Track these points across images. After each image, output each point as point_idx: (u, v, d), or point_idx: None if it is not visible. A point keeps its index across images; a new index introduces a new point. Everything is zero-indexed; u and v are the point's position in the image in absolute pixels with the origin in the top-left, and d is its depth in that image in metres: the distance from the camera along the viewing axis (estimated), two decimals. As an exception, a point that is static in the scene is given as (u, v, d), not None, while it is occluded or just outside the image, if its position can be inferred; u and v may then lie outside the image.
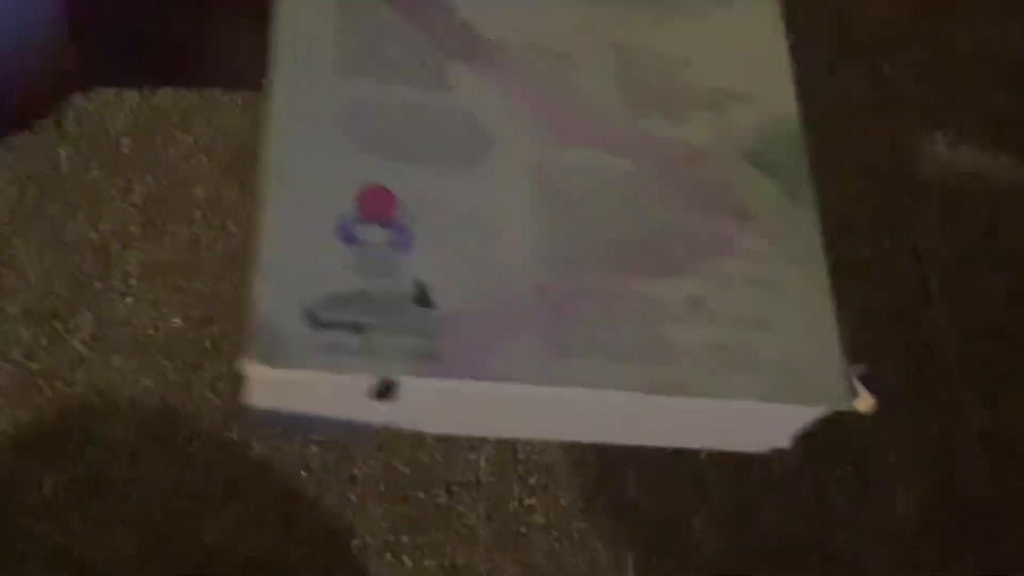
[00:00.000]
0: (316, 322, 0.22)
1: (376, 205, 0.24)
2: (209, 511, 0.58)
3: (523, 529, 0.59)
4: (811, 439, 0.57)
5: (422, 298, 0.23)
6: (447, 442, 0.61)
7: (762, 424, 0.27)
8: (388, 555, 0.58)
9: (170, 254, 0.66)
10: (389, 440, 0.61)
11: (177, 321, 0.63)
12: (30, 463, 0.58)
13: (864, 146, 0.70)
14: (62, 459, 0.58)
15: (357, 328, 0.23)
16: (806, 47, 0.75)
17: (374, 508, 0.59)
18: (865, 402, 0.26)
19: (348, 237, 0.24)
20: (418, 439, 0.61)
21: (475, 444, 0.61)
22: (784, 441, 0.28)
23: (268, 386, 0.22)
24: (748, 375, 0.25)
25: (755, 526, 0.62)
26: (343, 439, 0.59)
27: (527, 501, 0.60)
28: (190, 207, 0.67)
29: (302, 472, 0.59)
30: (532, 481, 0.61)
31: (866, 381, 0.26)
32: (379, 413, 0.23)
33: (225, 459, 0.60)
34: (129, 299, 0.64)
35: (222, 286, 0.65)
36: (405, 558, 0.58)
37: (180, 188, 0.68)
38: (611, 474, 0.61)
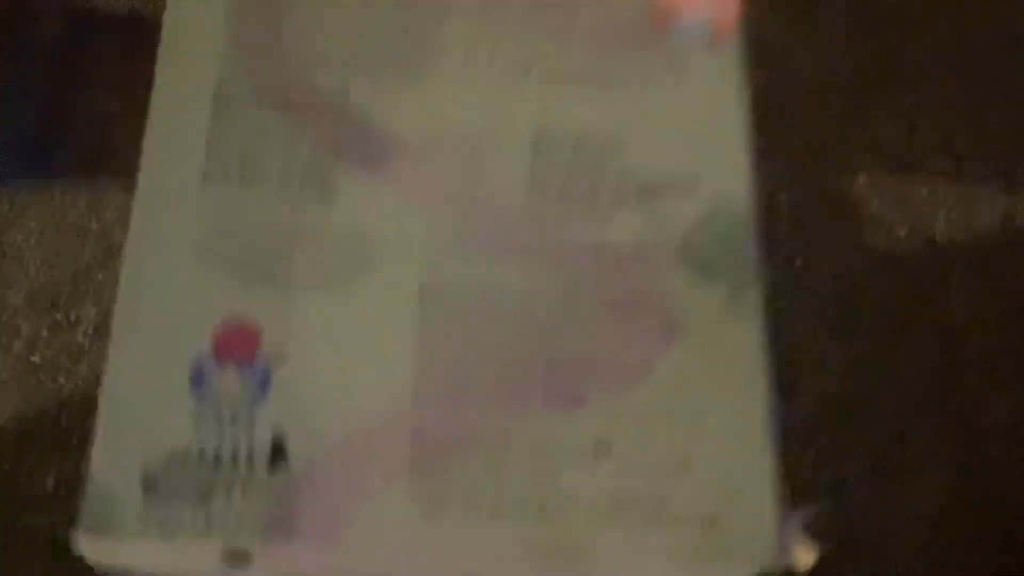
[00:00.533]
0: (153, 488, 0.20)
1: (233, 345, 0.22)
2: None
3: None
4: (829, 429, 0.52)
5: (277, 452, 0.21)
6: None
7: None
8: None
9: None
10: None
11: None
12: (32, 457, 0.58)
13: (877, 127, 0.64)
14: (64, 453, 0.59)
15: (199, 495, 0.20)
16: (820, 18, 0.69)
17: None
18: (805, 557, 0.23)
19: (200, 383, 0.21)
20: None
21: None
22: None
23: (105, 553, 0.20)
24: (661, 531, 0.22)
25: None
26: None
27: None
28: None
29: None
30: None
31: (816, 521, 0.23)
32: None
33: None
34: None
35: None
36: None
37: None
38: None
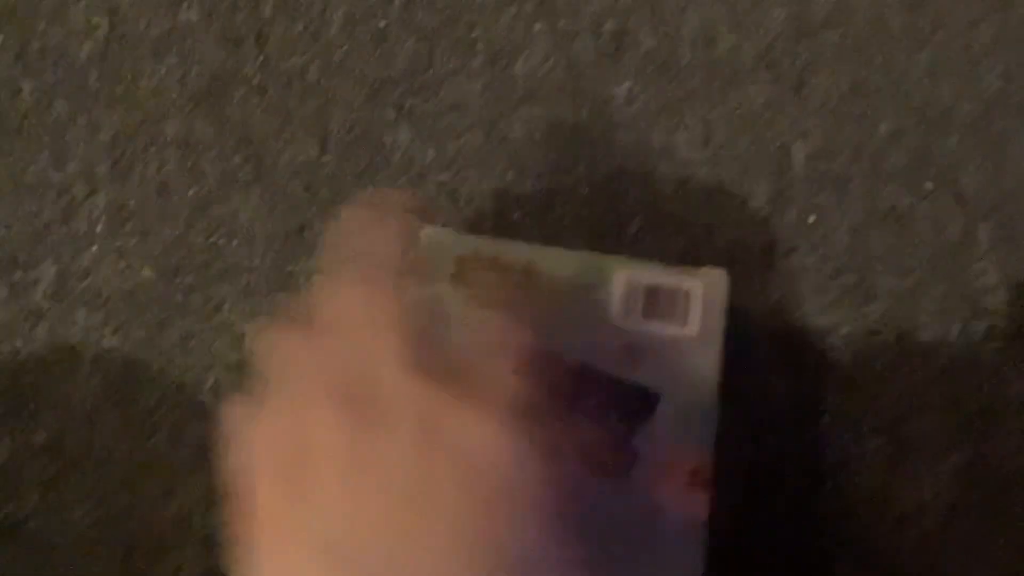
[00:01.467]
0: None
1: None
2: (174, 482, 0.53)
3: None
4: (844, 399, 0.48)
5: None
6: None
7: None
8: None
9: (139, 198, 0.60)
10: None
11: (146, 272, 0.58)
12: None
13: (904, 78, 0.60)
14: (18, 423, 0.54)
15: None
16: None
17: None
18: None
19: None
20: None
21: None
22: None
23: None
24: None
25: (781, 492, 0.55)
26: None
27: None
28: (160, 146, 0.61)
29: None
30: None
31: None
32: None
33: (193, 425, 0.55)
34: (95, 248, 0.59)
35: (193, 234, 0.59)
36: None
37: (150, 125, 0.61)
38: None
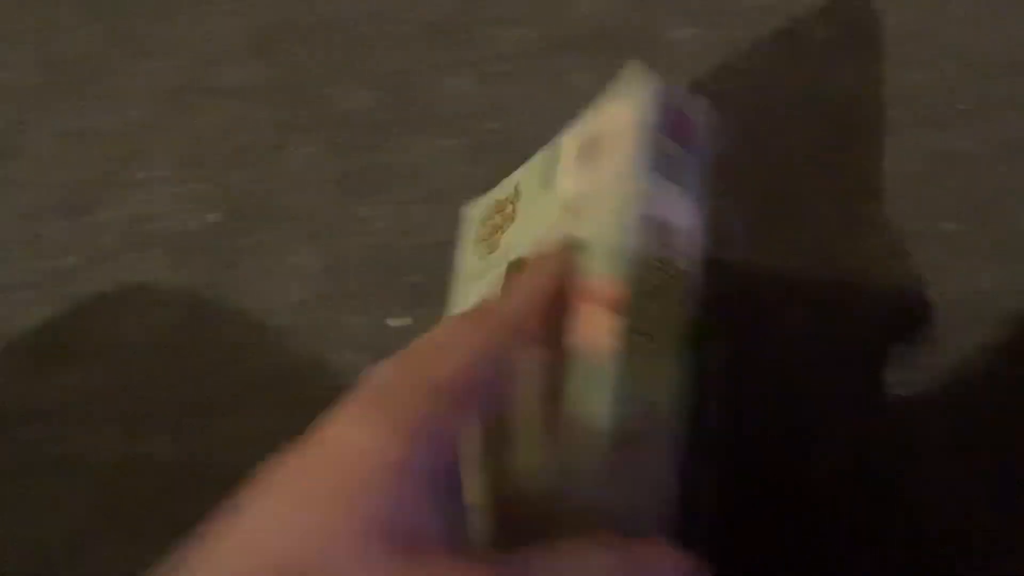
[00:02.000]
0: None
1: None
2: (217, 416, 0.55)
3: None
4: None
5: None
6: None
7: None
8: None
9: (202, 144, 0.62)
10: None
11: (212, 216, 0.60)
12: (48, 366, 0.56)
13: (957, 28, 0.61)
14: (80, 361, 0.56)
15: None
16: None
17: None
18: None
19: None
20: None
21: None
22: None
23: None
24: None
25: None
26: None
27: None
28: (220, 93, 0.62)
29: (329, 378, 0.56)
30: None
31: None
32: None
33: (263, 362, 0.57)
34: (163, 191, 0.61)
35: (253, 178, 0.61)
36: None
37: (210, 69, 0.63)
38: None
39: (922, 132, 0.59)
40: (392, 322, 0.56)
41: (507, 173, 0.47)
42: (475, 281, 0.44)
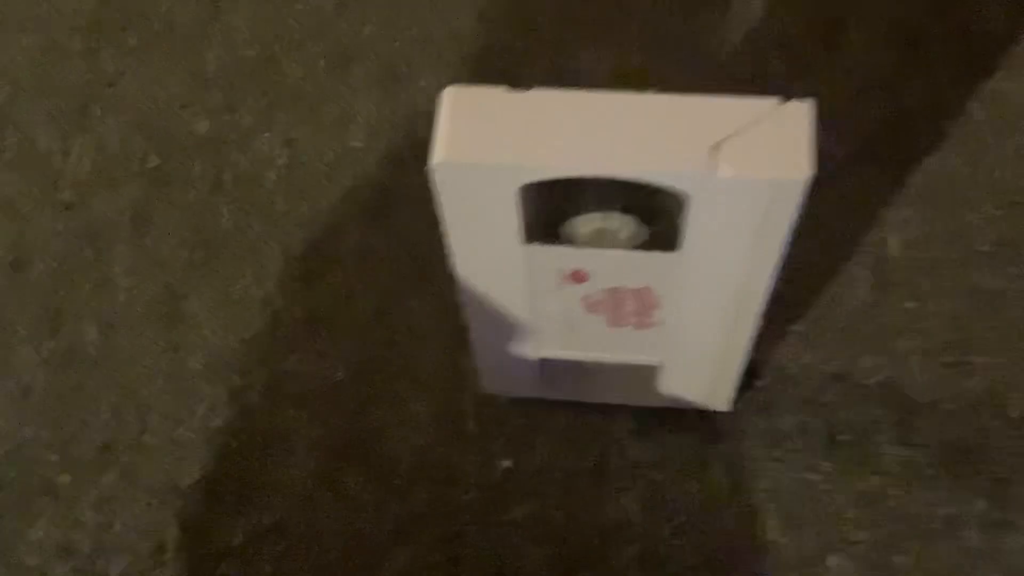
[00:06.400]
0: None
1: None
2: (380, 553, 0.62)
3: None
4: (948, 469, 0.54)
5: None
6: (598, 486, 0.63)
7: None
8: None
9: (327, 306, 0.70)
10: (542, 484, 0.63)
11: (339, 374, 0.68)
12: (221, 513, 0.64)
13: (989, 164, 0.66)
14: (248, 507, 0.64)
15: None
16: (931, 47, 0.71)
17: (534, 549, 0.62)
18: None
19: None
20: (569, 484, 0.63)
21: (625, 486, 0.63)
22: None
23: None
24: None
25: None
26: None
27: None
28: (344, 258, 0.71)
29: (464, 515, 0.63)
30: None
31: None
32: None
33: (392, 502, 0.64)
34: (296, 353, 0.69)
35: (376, 335, 0.69)
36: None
37: (332, 238, 0.71)
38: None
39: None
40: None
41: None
42: None
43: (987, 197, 0.68)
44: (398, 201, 0.72)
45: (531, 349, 0.58)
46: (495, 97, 0.42)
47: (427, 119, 0.74)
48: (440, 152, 0.41)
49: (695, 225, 0.44)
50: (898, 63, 0.74)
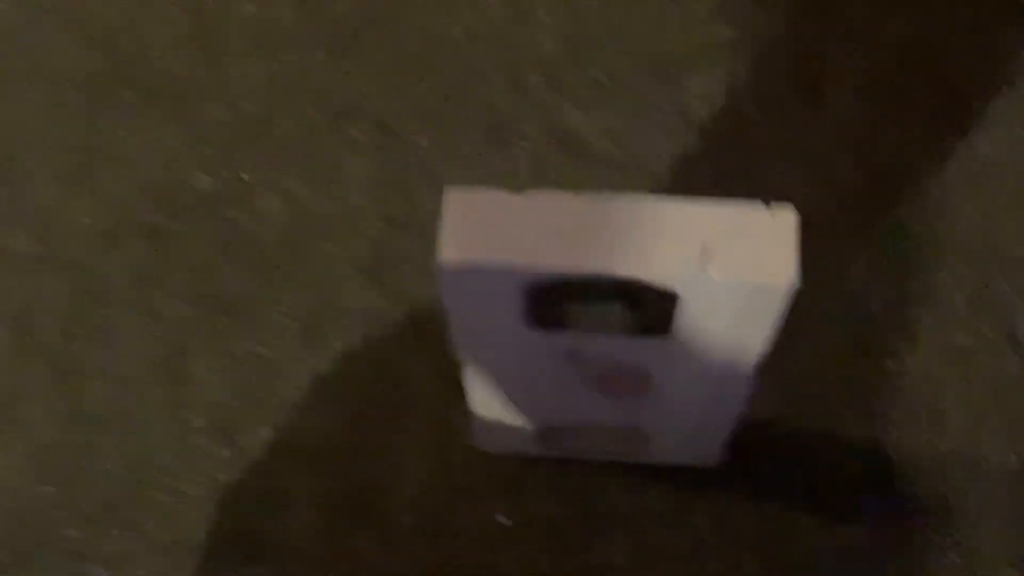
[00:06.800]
0: None
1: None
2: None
3: None
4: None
5: None
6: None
7: None
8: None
9: (327, 363, 0.72)
10: (531, 533, 0.66)
11: (338, 430, 0.70)
12: (225, 568, 0.66)
13: (958, 227, 0.69)
14: (251, 563, 0.66)
15: None
16: (909, 107, 0.74)
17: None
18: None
19: None
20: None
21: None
22: None
23: None
24: None
25: None
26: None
27: None
28: (343, 317, 0.73)
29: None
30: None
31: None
32: None
33: (390, 556, 0.66)
34: (297, 410, 0.71)
35: (376, 392, 0.71)
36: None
37: (331, 296, 0.74)
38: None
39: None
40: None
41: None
42: None
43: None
44: (396, 259, 0.74)
45: (528, 417, 0.61)
46: (496, 200, 0.44)
47: (426, 178, 0.77)
48: (447, 252, 0.44)
49: (686, 315, 0.47)
50: (877, 120, 0.77)
